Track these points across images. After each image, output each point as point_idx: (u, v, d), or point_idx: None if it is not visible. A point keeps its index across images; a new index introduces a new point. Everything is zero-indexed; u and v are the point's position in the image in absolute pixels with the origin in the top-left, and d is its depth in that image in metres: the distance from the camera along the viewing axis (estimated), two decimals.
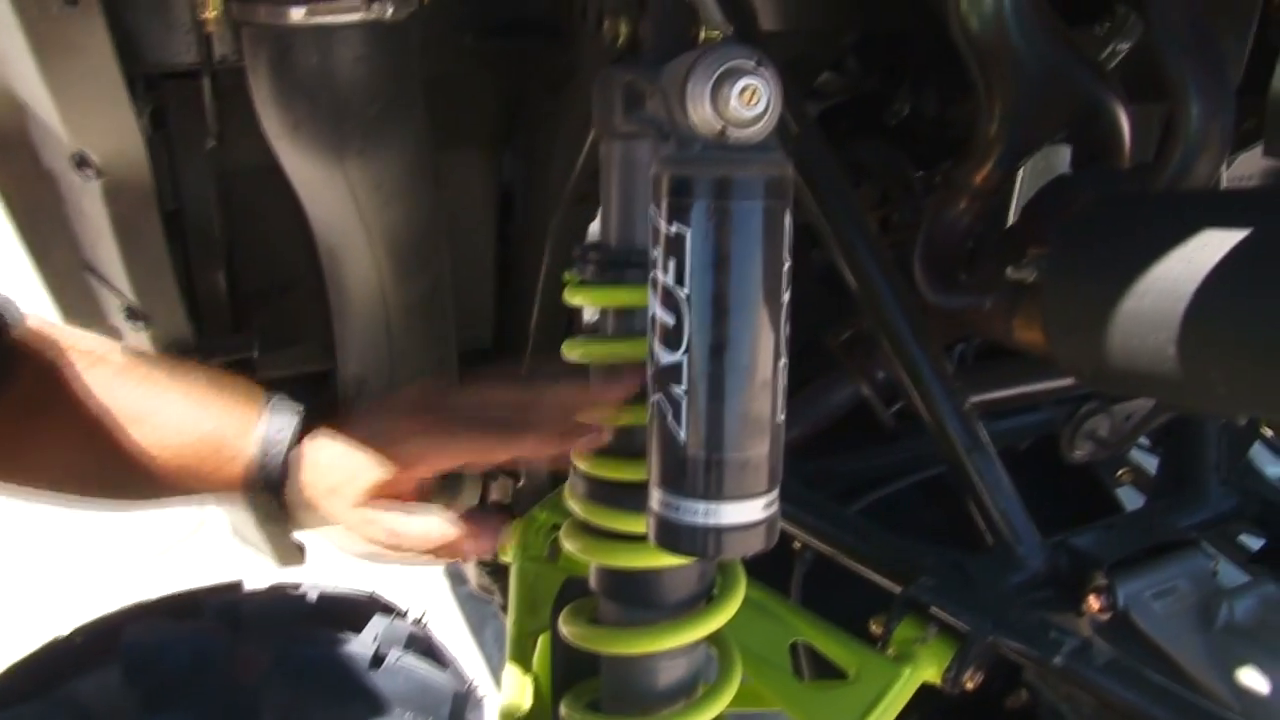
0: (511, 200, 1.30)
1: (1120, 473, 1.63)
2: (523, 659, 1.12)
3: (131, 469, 0.91)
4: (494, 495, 1.44)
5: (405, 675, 0.72)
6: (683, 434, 0.70)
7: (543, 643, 1.13)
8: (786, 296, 0.70)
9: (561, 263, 1.19)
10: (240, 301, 1.23)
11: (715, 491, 0.70)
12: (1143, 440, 1.67)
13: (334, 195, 0.92)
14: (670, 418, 0.70)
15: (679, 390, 0.69)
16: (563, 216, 1.13)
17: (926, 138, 1.51)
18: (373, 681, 0.71)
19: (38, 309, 0.95)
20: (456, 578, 2.90)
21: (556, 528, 1.21)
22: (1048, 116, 1.15)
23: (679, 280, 0.68)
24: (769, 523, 0.72)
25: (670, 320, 0.69)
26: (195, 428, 0.92)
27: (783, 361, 0.71)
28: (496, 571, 1.33)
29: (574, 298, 0.83)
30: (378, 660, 0.72)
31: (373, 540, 0.90)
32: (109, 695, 0.70)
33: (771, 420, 0.71)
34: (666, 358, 0.70)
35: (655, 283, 0.70)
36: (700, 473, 0.70)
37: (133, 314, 1.12)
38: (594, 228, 1.16)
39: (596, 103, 0.81)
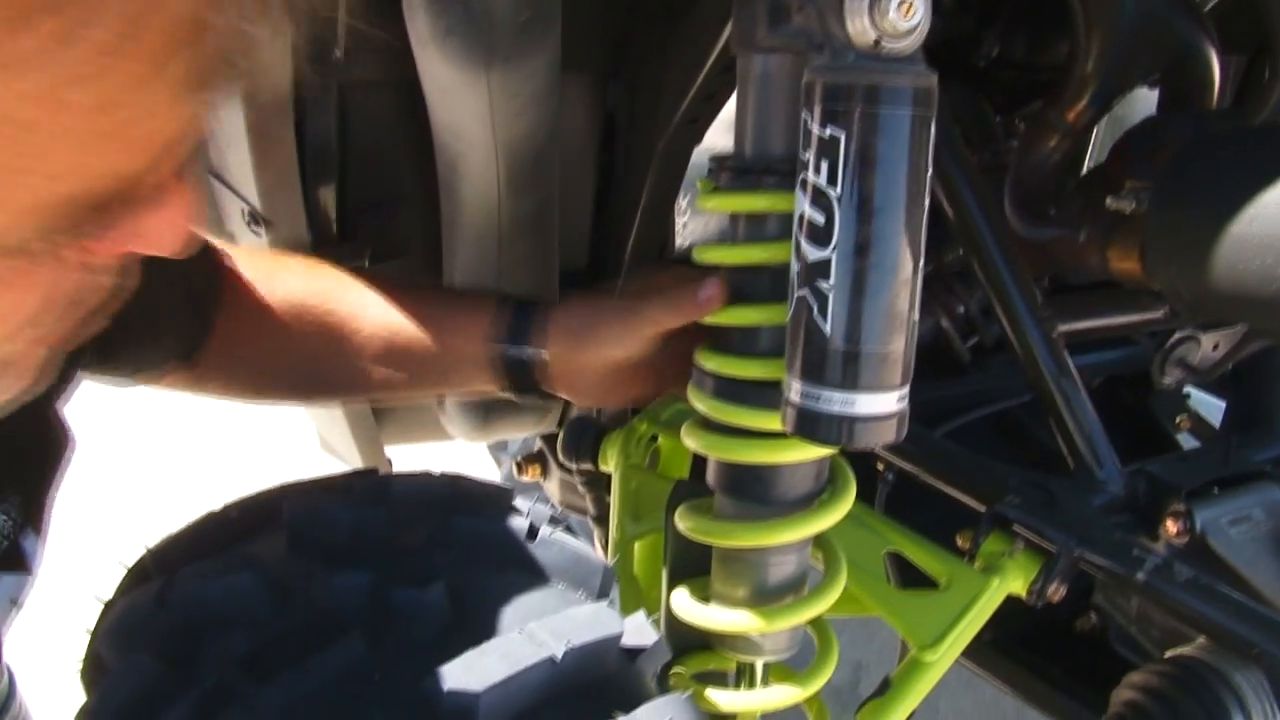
0: (613, 130, 1.34)
1: (1179, 419, 1.67)
2: (624, 563, 1.17)
3: (351, 369, 1.01)
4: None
5: (558, 548, 0.76)
6: (827, 327, 0.74)
7: (642, 547, 1.18)
8: (928, 201, 0.74)
9: (666, 184, 1.23)
10: (349, 214, 1.27)
11: (854, 383, 0.74)
12: (1202, 390, 1.71)
13: (472, 103, 0.96)
14: (816, 312, 0.74)
15: (826, 285, 0.73)
16: (671, 138, 1.17)
17: (1009, 82, 1.54)
18: (530, 552, 0.76)
19: None
20: None
21: (655, 439, 1.26)
22: (1143, 57, 1.18)
23: (831, 181, 0.72)
24: (900, 416, 0.77)
25: (820, 219, 0.73)
26: (426, 316, 1.01)
27: (921, 263, 0.75)
28: (592, 483, 1.37)
29: (709, 204, 0.87)
30: (532, 533, 0.77)
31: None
32: (281, 559, 0.75)
33: (909, 317, 0.75)
34: (815, 254, 0.74)
35: (805, 183, 0.74)
36: (841, 364, 0.74)
37: (255, 219, 1.17)
38: (703, 146, 1.20)
39: (737, 18, 0.84)
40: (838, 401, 0.75)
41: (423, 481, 0.85)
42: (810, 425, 0.77)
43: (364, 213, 1.27)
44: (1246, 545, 1.16)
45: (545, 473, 1.66)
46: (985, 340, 1.43)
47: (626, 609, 1.02)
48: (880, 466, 1.29)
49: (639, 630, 0.71)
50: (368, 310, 1.02)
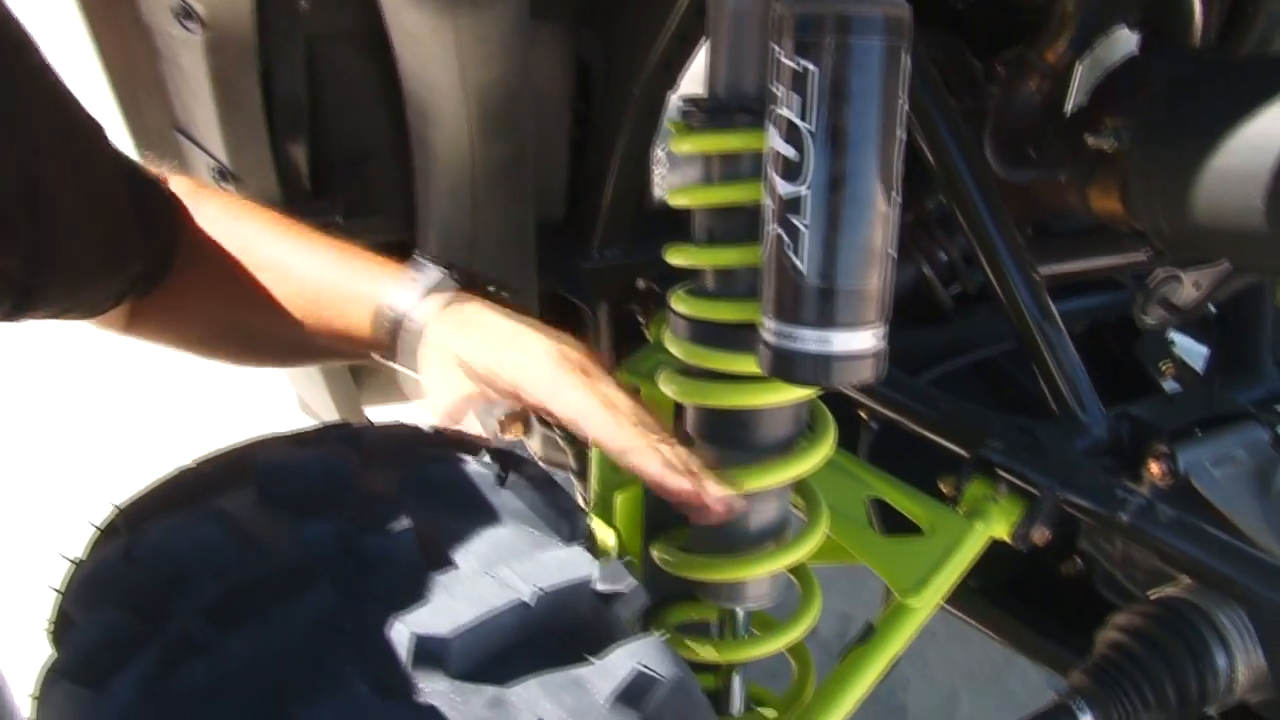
0: (588, 79, 1.32)
1: (1164, 365, 1.66)
2: (605, 514, 1.16)
3: (272, 323, 0.94)
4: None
5: (531, 493, 0.75)
6: (801, 264, 0.72)
7: (623, 498, 1.17)
8: (902, 134, 0.73)
9: (642, 132, 1.22)
10: (321, 169, 1.25)
11: (829, 320, 0.73)
12: (1186, 336, 1.70)
13: (438, 49, 0.94)
14: (789, 249, 0.73)
15: (799, 221, 0.72)
16: (646, 84, 1.15)
17: (989, 25, 1.52)
18: (499, 497, 0.75)
19: None
20: None
21: (637, 390, 1.25)
22: None
23: (803, 114, 0.71)
24: (878, 354, 0.76)
25: (792, 154, 0.71)
26: (335, 280, 0.95)
27: (896, 197, 0.73)
28: (573, 438, 1.36)
29: (682, 146, 0.85)
30: (500, 479, 0.76)
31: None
32: (250, 511, 0.74)
33: (884, 253, 0.73)
34: (787, 190, 0.72)
35: (777, 118, 0.72)
36: (816, 302, 0.73)
37: (223, 174, 1.15)
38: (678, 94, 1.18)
39: None
40: (813, 340, 0.74)
41: (395, 432, 0.84)
42: (786, 365, 0.75)
43: (336, 167, 1.26)
44: (1229, 485, 1.15)
45: (528, 430, 1.65)
46: (968, 288, 1.42)
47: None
48: (863, 415, 1.28)
49: (613, 574, 0.70)
50: (293, 260, 0.97)
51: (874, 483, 1.10)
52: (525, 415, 1.43)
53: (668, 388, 0.90)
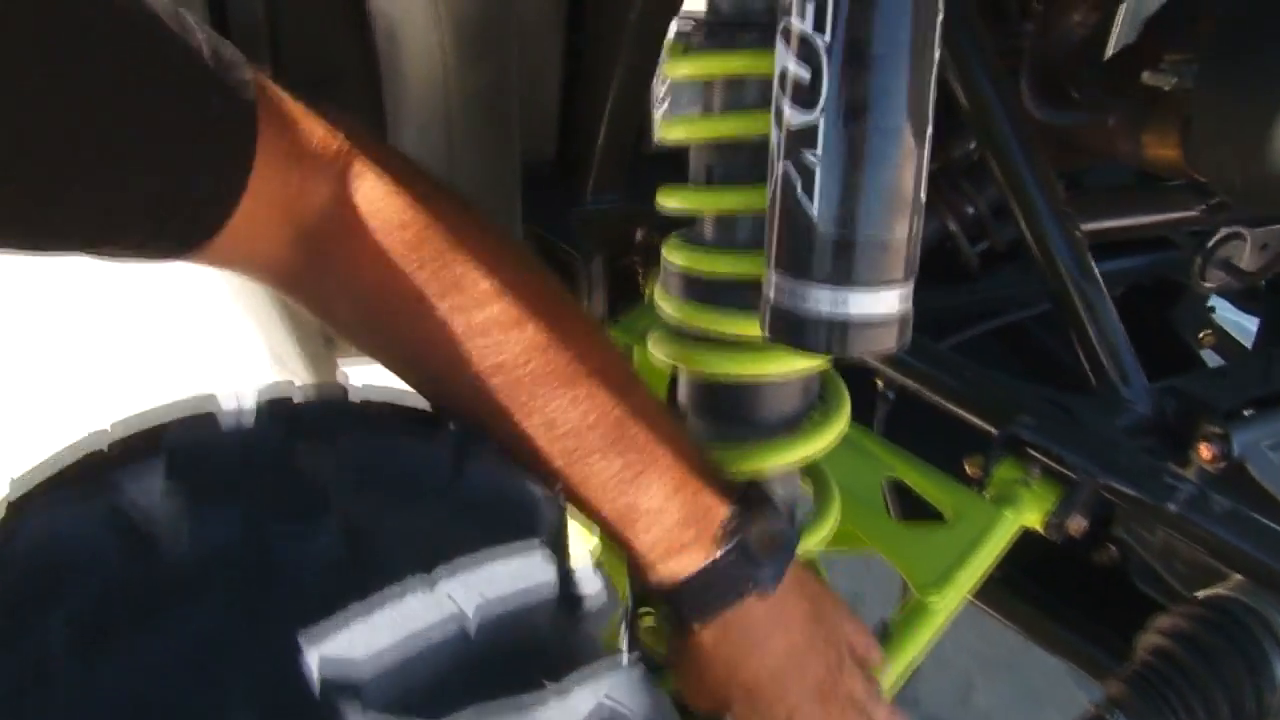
0: (581, 4, 1.20)
1: (1203, 335, 1.54)
2: None
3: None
4: None
5: (486, 484, 0.63)
6: (813, 208, 0.60)
7: None
8: (938, 52, 0.60)
9: (640, 63, 1.10)
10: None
11: (846, 277, 0.61)
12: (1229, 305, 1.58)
13: None
14: (799, 189, 0.61)
15: (812, 156, 0.60)
16: (643, 8, 1.04)
17: None
18: (451, 487, 0.63)
19: None
20: None
21: (629, 349, 1.13)
22: None
23: (818, 26, 0.58)
24: (903, 320, 0.64)
25: (805, 74, 0.59)
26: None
27: (929, 129, 0.61)
28: None
29: (679, 69, 0.73)
30: (456, 463, 0.64)
31: None
32: (153, 496, 0.62)
33: (915, 197, 0.61)
34: (798, 119, 0.60)
35: (788, 32, 0.60)
36: (830, 254, 0.61)
37: None
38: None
39: None
40: (826, 300, 0.62)
41: (338, 402, 0.72)
42: (793, 329, 0.63)
43: (300, 93, 1.13)
44: None
45: None
46: (997, 244, 1.30)
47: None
48: (879, 383, 1.16)
49: (583, 580, 0.58)
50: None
51: (891, 462, 0.99)
52: None
53: (657, 351, 0.79)
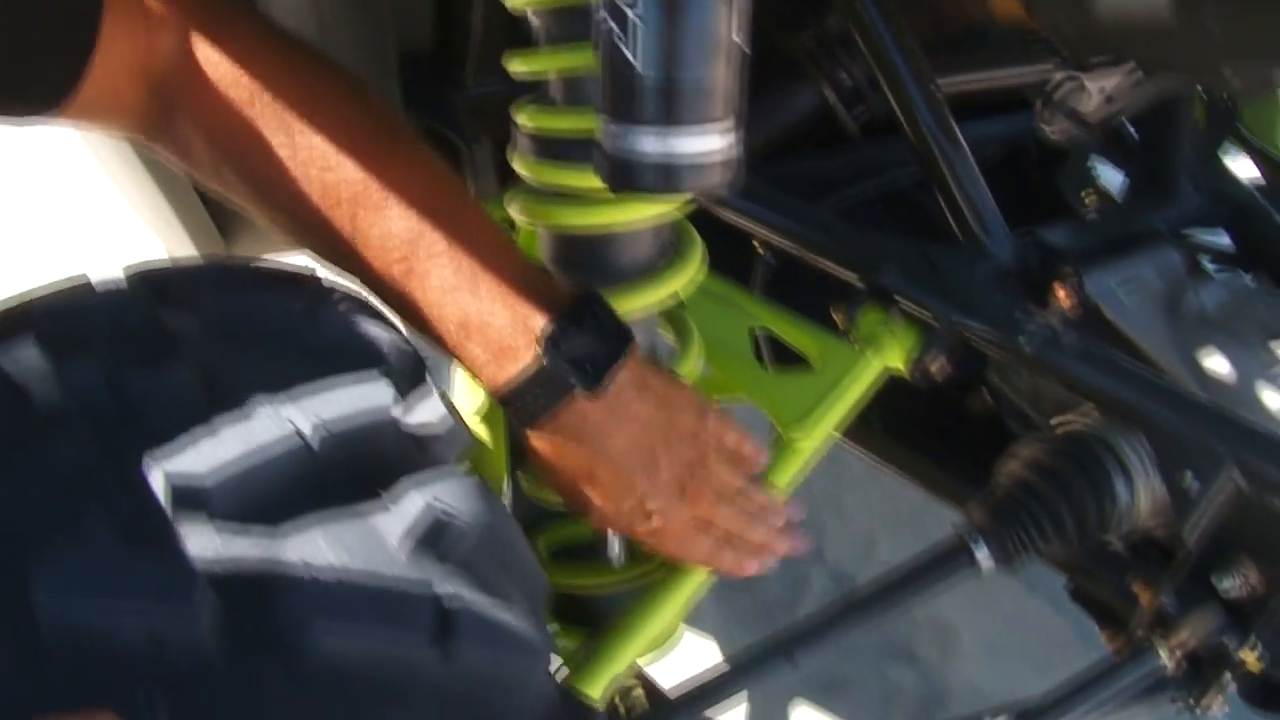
0: None
1: (1085, 195, 1.59)
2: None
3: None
4: None
5: (338, 329, 0.67)
6: (634, 53, 0.64)
7: (484, 419, 1.09)
8: None
9: None
10: None
11: (668, 116, 0.65)
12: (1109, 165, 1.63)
13: None
14: (619, 39, 0.64)
15: (627, 5, 0.63)
16: None
17: None
18: (305, 333, 0.66)
19: None
20: None
21: (512, 226, 1.16)
22: None
23: None
24: (727, 158, 0.67)
25: None
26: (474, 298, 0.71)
27: None
28: None
29: None
30: (310, 313, 0.67)
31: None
32: (26, 358, 0.66)
33: (728, 37, 0.65)
34: None
35: None
36: (653, 95, 0.64)
37: None
38: None
39: None
40: (653, 142, 0.66)
41: (202, 270, 0.75)
42: (626, 173, 0.67)
43: None
44: (1139, 310, 1.09)
45: None
46: (875, 112, 1.33)
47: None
48: (757, 245, 1.20)
49: (428, 409, 0.62)
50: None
51: (758, 313, 1.03)
52: None
53: (511, 207, 0.82)
